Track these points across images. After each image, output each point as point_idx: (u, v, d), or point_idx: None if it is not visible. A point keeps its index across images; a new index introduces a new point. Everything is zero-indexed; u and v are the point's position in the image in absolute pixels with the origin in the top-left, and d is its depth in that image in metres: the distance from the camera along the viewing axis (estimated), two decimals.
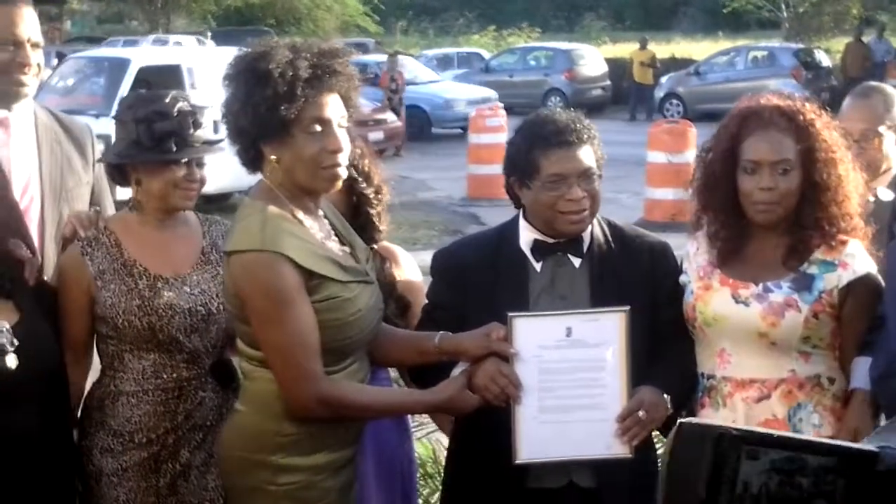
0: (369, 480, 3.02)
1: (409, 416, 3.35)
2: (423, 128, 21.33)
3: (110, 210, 3.38)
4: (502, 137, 11.24)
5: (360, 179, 3.09)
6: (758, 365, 2.77)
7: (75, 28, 38.41)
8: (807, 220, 2.75)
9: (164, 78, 11.72)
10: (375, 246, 3.12)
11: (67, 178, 3.32)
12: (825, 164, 2.75)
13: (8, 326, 2.71)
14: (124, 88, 12.13)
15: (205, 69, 12.27)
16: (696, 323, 2.84)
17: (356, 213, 3.08)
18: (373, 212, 3.13)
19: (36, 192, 3.27)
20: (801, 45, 25.78)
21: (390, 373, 3.23)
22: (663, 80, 24.47)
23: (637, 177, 12.67)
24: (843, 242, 2.76)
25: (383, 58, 23.06)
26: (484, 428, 2.73)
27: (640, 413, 2.66)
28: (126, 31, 35.50)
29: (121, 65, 13.02)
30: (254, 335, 2.57)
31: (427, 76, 23.74)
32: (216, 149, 2.95)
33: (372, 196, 3.12)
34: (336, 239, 2.71)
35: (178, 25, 33.77)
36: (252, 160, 2.61)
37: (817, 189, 2.74)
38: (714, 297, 2.81)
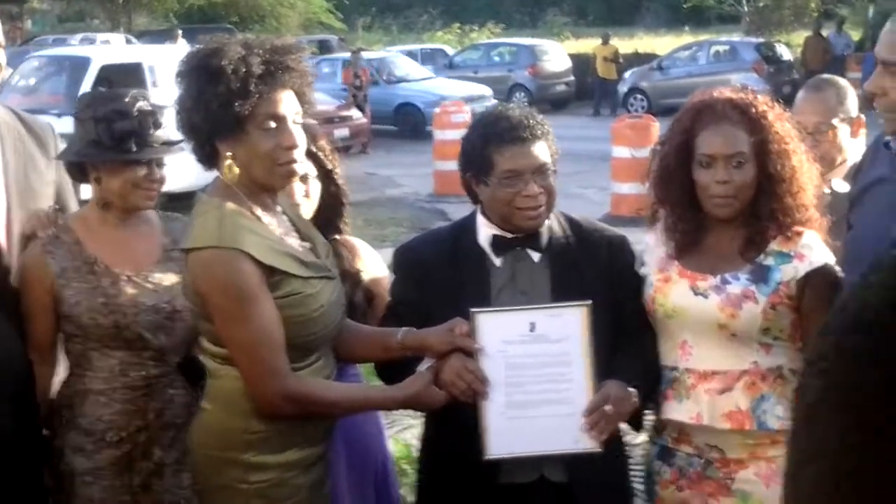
0: (342, 479, 3.01)
1: (382, 414, 3.36)
2: (418, 126, 20.10)
3: (74, 208, 3.37)
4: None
5: (334, 173, 3.11)
6: (719, 356, 2.78)
7: (36, 27, 37.98)
8: (763, 211, 2.77)
9: (125, 76, 11.62)
10: (337, 237, 3.13)
11: (32, 177, 3.30)
12: (778, 155, 2.76)
13: None
14: (86, 87, 12.02)
15: (166, 67, 12.17)
16: (657, 315, 2.85)
17: (327, 207, 3.08)
18: (344, 206, 3.15)
19: (1, 192, 3.25)
20: (762, 40, 25.96)
21: (359, 369, 3.24)
22: (626, 75, 24.54)
23: (602, 172, 12.71)
24: (799, 234, 2.78)
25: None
26: (453, 424, 2.74)
27: (607, 407, 2.66)
28: (88, 29, 35.15)
29: (82, 63, 12.89)
30: (217, 333, 2.56)
31: (419, 73, 22.97)
32: (176, 149, 2.95)
33: (344, 189, 3.14)
34: (296, 235, 2.71)
35: (140, 24, 33.51)
36: (207, 157, 2.60)
37: (772, 181, 2.75)
38: (673, 289, 2.82)
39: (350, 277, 3.06)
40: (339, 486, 2.98)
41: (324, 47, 28.16)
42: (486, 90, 21.53)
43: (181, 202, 3.26)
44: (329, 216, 3.11)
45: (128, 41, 23.60)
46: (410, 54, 27.86)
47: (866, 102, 3.01)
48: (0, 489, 2.73)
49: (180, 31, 23.01)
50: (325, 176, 3.10)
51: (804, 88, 3.93)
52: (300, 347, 2.58)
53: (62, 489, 2.94)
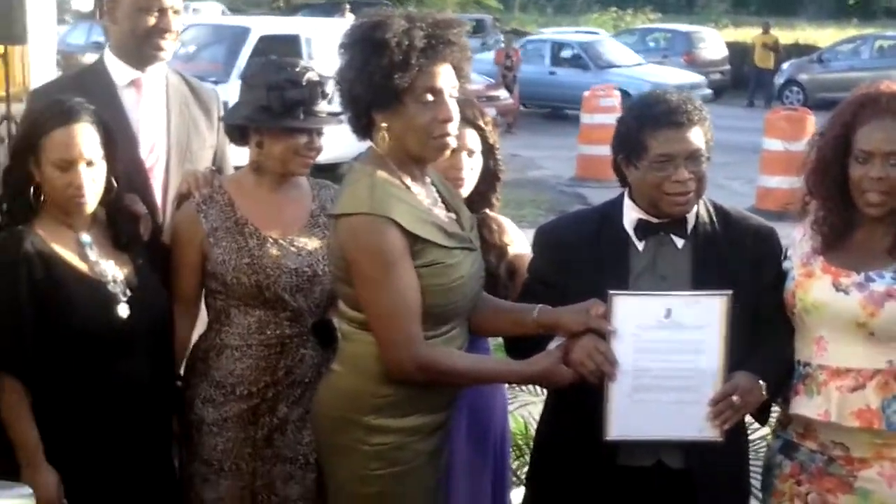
0: (462, 447, 3.05)
1: (506, 388, 3.39)
2: None
3: (230, 172, 3.49)
4: (614, 118, 11.16)
5: (496, 148, 3.17)
6: (855, 354, 2.73)
7: None
8: None
9: (282, 47, 11.90)
10: (488, 211, 3.17)
11: (193, 140, 3.44)
12: None
13: (122, 277, 2.84)
14: (244, 57, 12.39)
15: (323, 40, 12.43)
16: (796, 310, 2.81)
17: (483, 181, 3.14)
18: (500, 181, 3.20)
19: (162, 152, 3.39)
20: None
21: (489, 343, 3.27)
22: (784, 66, 23.90)
23: (751, 164, 12.46)
24: None
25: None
26: (576, 403, 2.75)
27: (734, 398, 2.65)
28: (248, 1, 36.00)
29: (241, 33, 13.27)
30: (357, 297, 2.62)
31: (629, 59, 22.25)
32: (338, 120, 3.02)
33: (501, 166, 3.20)
34: (443, 206, 2.75)
35: None
36: (363, 127, 2.67)
37: None
38: (815, 285, 2.78)
39: (496, 250, 3.12)
40: (458, 454, 3.02)
41: (479, 26, 28.21)
42: (699, 78, 21.17)
43: (326, 173, 3.34)
44: (484, 191, 3.16)
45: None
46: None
47: None
48: (131, 434, 2.86)
49: (348, 6, 23.32)
50: (488, 151, 3.15)
51: None
52: (437, 316, 2.63)
53: (189, 437, 3.06)
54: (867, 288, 2.71)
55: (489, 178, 3.17)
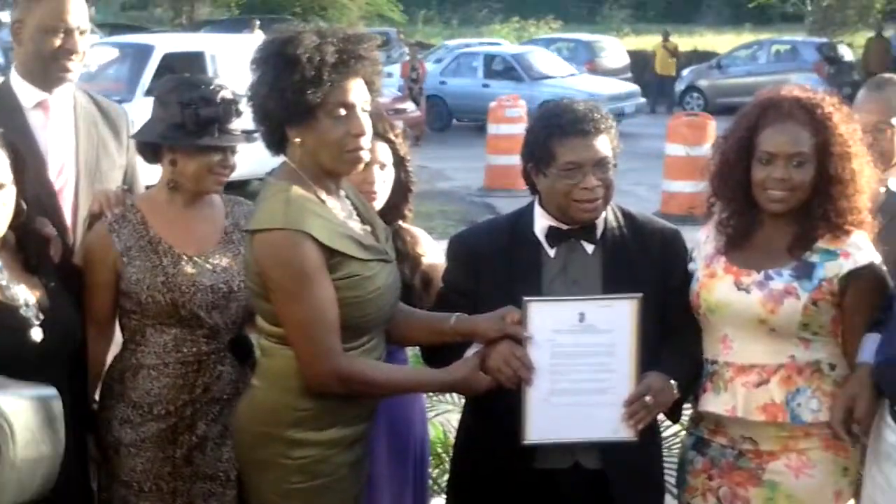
0: (382, 457, 3.08)
1: (424, 398, 3.42)
2: None
3: (141, 191, 3.46)
4: (521, 128, 11.26)
5: (406, 160, 3.20)
6: (758, 350, 2.83)
7: (100, 15, 38.57)
8: (815, 211, 2.80)
9: (187, 65, 11.73)
10: (402, 223, 3.21)
11: (102, 160, 3.41)
12: (840, 158, 2.78)
13: (34, 301, 2.80)
14: (147, 75, 12.21)
15: (228, 57, 12.32)
16: (701, 310, 2.89)
17: (395, 193, 3.17)
18: (411, 192, 3.23)
19: (71, 174, 3.35)
20: (824, 40, 25.64)
21: (407, 353, 3.30)
22: (684, 72, 24.40)
23: (655, 169, 12.67)
24: (848, 233, 2.80)
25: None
26: (494, 409, 2.80)
27: (647, 398, 2.73)
28: (151, 18, 35.61)
29: (144, 51, 13.05)
30: (274, 312, 2.63)
31: (563, 70, 22.05)
32: (252, 138, 3.02)
33: (412, 178, 3.24)
34: (357, 219, 2.78)
35: (203, 13, 33.86)
36: (277, 142, 2.69)
37: (830, 182, 2.78)
38: (717, 285, 2.86)
39: (411, 261, 3.16)
40: (378, 466, 3.04)
41: (384, 40, 28.22)
42: (634, 87, 21.15)
43: (236, 190, 3.34)
44: (396, 203, 3.20)
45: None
46: (469, 47, 27.81)
47: None
48: None
49: (258, 22, 23.02)
50: (399, 163, 3.19)
51: (865, 87, 3.93)
52: (354, 328, 2.65)
53: (107, 459, 3.03)
54: (767, 286, 2.80)
55: (401, 190, 3.20)
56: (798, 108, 2.81)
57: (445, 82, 21.61)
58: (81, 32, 3.31)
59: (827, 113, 2.81)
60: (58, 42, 3.26)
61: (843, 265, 2.77)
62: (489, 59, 22.06)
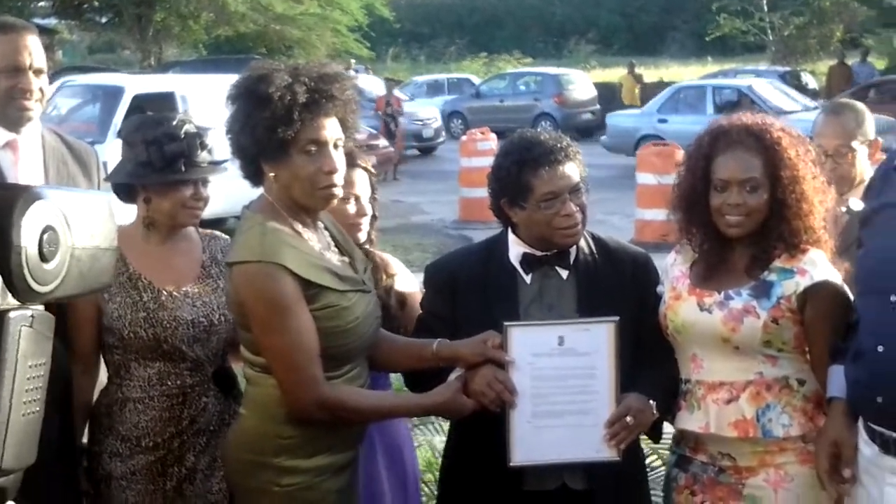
0: (382, 479, 3.13)
1: (408, 424, 3.46)
2: None
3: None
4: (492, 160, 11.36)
5: (375, 191, 3.26)
6: (726, 368, 2.89)
7: (66, 58, 38.50)
8: (772, 232, 2.87)
9: (158, 105, 11.71)
10: (370, 248, 3.23)
11: None
12: (790, 181, 2.85)
13: None
14: (119, 116, 12.20)
15: (198, 97, 12.35)
16: (669, 330, 2.96)
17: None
18: (376, 219, 3.28)
19: None
20: (787, 68, 26.01)
21: (391, 379, 3.35)
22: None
23: (628, 199, 12.81)
24: (804, 251, 2.87)
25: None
26: (479, 433, 2.84)
27: (628, 419, 2.78)
28: (119, 60, 35.59)
29: (115, 93, 13.05)
30: (256, 342, 2.67)
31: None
32: (220, 168, 3.08)
33: (377, 204, 3.29)
34: (336, 250, 2.82)
35: (170, 55, 33.88)
36: (253, 175, 2.73)
37: (782, 205, 2.86)
38: (682, 306, 2.93)
39: (384, 284, 3.20)
40: (381, 486, 3.09)
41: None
42: None
43: (213, 228, 3.38)
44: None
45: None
46: (437, 83, 27.96)
47: None
48: (40, 495, 2.83)
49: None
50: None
51: (823, 112, 4.05)
52: (335, 357, 2.68)
53: (98, 493, 3.05)
54: (727, 306, 2.86)
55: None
56: (747, 134, 2.89)
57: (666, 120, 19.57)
58: (36, 72, 3.32)
59: (775, 138, 2.88)
60: (10, 82, 3.28)
61: (800, 283, 2.84)
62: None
